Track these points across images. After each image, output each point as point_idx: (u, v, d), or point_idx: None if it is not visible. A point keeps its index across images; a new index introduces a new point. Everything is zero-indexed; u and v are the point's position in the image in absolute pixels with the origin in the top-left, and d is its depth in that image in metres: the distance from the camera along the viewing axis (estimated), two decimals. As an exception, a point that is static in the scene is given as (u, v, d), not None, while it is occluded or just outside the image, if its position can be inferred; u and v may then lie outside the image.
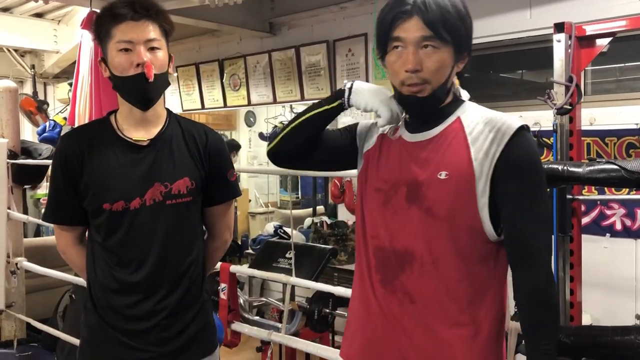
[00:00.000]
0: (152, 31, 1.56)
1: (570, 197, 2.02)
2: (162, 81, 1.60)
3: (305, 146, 1.44)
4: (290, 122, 1.44)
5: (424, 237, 1.24)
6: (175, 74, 5.54)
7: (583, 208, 2.77)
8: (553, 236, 1.25)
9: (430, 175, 1.24)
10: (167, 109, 1.70)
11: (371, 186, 1.35)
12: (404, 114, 1.34)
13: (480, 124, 1.23)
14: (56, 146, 1.70)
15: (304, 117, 1.42)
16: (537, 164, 1.24)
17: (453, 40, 1.21)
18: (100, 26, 1.57)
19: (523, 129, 1.21)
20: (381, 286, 1.30)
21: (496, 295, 1.27)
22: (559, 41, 2.03)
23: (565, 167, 1.72)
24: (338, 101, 1.39)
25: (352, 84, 1.38)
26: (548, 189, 1.28)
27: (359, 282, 1.38)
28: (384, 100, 1.33)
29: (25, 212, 3.95)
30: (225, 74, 5.15)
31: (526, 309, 1.23)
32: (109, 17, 1.55)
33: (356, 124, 1.48)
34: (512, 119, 1.22)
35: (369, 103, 1.34)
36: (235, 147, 6.28)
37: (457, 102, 1.31)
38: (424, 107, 1.26)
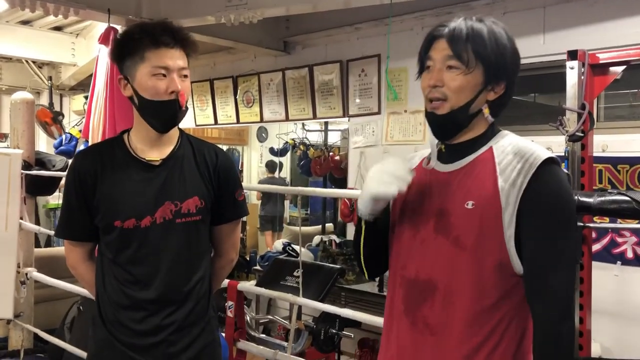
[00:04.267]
0: (183, 59, 1.59)
1: (581, 224, 2.00)
2: (187, 107, 1.64)
3: (383, 253, 1.40)
4: (357, 253, 1.41)
5: (448, 268, 1.23)
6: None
7: (594, 235, 2.74)
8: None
9: (458, 204, 1.23)
10: (180, 129, 1.72)
11: (402, 217, 1.34)
12: (438, 144, 1.32)
13: (510, 154, 1.22)
14: (70, 163, 1.72)
15: (360, 251, 1.39)
16: (563, 199, 1.21)
17: (481, 65, 1.21)
18: (132, 44, 1.57)
19: (551, 161, 1.19)
20: (405, 316, 1.29)
21: (518, 330, 1.23)
22: (572, 68, 2.02)
23: (575, 197, 1.69)
24: (362, 222, 1.35)
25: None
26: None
27: (386, 312, 1.37)
28: (387, 180, 1.24)
29: (37, 221, 3.98)
30: (238, 91, 5.19)
31: (537, 346, 1.20)
32: (147, 40, 1.55)
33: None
34: (542, 151, 1.21)
35: (379, 193, 1.25)
36: None
37: (492, 132, 1.29)
38: (441, 126, 1.26)
